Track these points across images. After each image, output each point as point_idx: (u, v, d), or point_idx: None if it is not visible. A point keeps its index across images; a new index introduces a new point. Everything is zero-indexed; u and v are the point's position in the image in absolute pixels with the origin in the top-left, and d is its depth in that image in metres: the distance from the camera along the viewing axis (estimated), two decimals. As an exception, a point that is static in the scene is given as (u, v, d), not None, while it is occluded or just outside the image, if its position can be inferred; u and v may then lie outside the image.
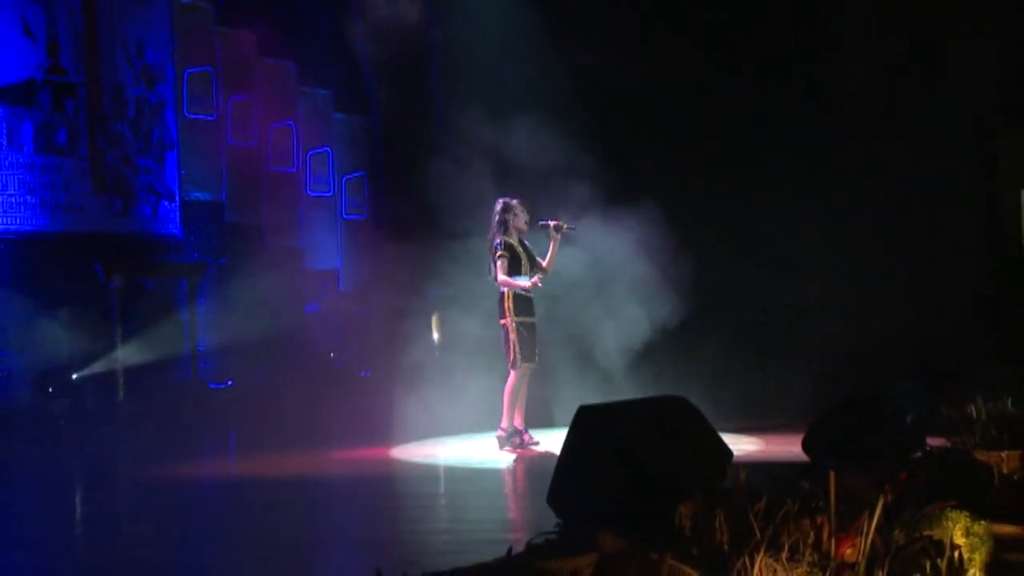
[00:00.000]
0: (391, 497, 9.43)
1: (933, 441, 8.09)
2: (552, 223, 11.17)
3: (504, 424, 11.08)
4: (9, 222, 13.51)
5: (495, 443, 11.12)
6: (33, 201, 13.74)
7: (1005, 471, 6.94)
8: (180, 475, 10.97)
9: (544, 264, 11.21)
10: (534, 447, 11.04)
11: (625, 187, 12.60)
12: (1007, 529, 5.40)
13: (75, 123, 14.21)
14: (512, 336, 11.00)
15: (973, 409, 7.78)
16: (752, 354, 12.06)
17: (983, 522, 5.16)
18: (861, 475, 5.83)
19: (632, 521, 5.11)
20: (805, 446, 8.73)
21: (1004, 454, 7.13)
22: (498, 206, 11.19)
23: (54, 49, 14.05)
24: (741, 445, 10.27)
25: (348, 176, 16.86)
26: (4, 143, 13.49)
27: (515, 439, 11.05)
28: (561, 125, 12.65)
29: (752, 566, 4.12)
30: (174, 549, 7.42)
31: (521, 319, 11.03)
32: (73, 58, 14.23)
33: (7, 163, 13.52)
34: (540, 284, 11.09)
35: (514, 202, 11.18)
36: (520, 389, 11.10)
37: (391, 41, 15.75)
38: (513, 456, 10.88)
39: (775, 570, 4.15)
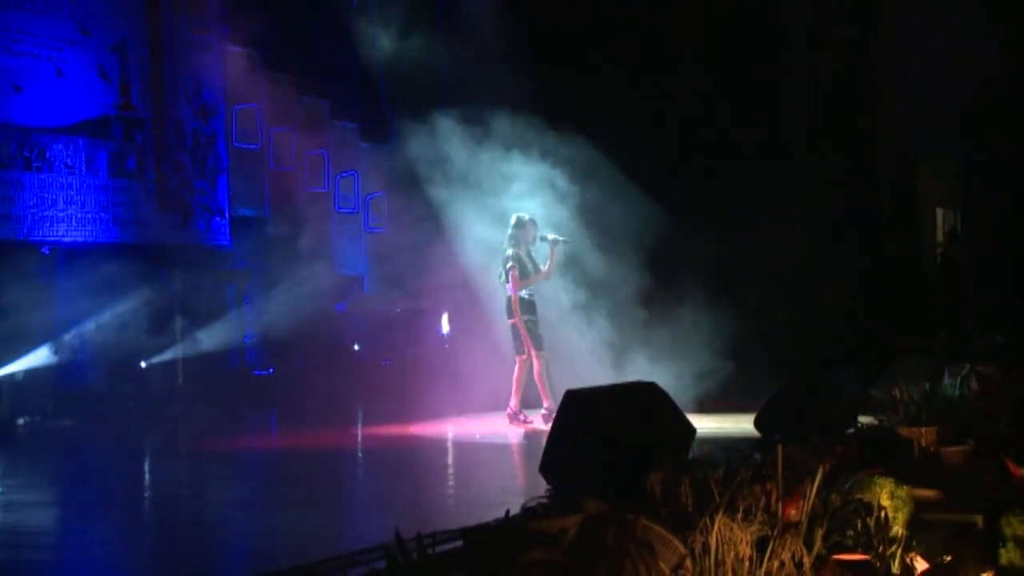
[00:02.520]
0: (407, 467, 9.42)
1: (864, 419, 8.10)
2: (551, 237, 11.29)
3: (547, 404, 11.09)
4: (88, 235, 13.50)
5: (500, 420, 11.23)
6: (107, 218, 13.72)
7: (923, 444, 6.94)
8: (230, 448, 10.96)
9: (544, 271, 11.32)
10: (528, 425, 11.09)
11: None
12: (925, 493, 5.39)
13: (142, 152, 14.20)
14: (523, 332, 11.11)
15: (897, 392, 7.77)
16: (711, 345, 12.00)
17: (905, 487, 5.17)
18: (803, 448, 5.83)
19: (611, 487, 5.11)
20: (756, 423, 8.75)
21: (923, 430, 7.12)
22: (513, 220, 11.29)
23: (126, 90, 14.04)
24: (702, 423, 10.23)
25: (371, 196, 16.83)
26: (83, 169, 13.48)
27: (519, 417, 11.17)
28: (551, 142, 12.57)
29: (712, 525, 4.12)
30: (226, 510, 7.42)
31: (527, 317, 11.15)
32: (141, 97, 14.22)
33: (86, 186, 13.51)
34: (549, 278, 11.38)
35: (527, 218, 11.31)
36: (524, 378, 11.20)
37: (409, 80, 15.72)
38: (511, 432, 10.88)
39: (732, 528, 4.15)
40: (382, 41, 15.97)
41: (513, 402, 11.21)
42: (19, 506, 7.93)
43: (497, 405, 11.61)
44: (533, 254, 11.35)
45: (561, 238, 11.39)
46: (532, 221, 11.31)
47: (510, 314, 11.22)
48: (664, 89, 14.34)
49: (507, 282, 11.20)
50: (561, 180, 12.23)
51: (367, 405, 13.23)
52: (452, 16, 16.22)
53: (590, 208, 12.31)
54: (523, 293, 11.18)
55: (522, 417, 11.17)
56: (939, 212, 14.42)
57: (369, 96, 16.60)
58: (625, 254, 12.27)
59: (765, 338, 13.33)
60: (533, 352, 11.12)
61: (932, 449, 6.79)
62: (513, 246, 11.19)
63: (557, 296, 12.10)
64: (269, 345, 15.36)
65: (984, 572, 4.74)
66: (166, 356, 14.11)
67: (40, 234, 13.03)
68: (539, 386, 11.21)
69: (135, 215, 14.03)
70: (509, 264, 11.12)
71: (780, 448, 4.77)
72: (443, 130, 12.86)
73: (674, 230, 12.94)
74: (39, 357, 12.68)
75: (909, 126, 14.23)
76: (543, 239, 11.31)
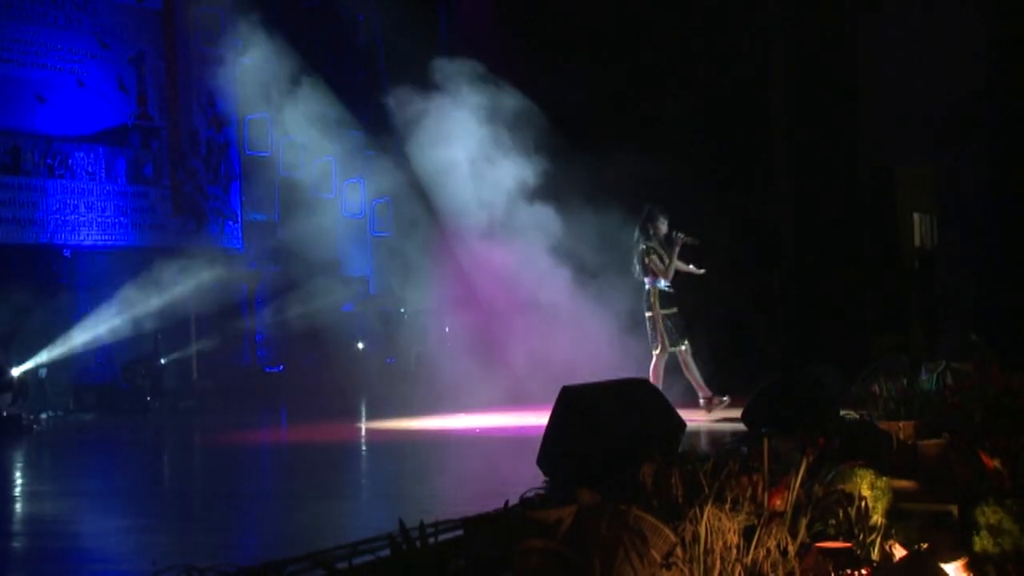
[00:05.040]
0: (410, 459, 9.41)
1: (845, 413, 8.09)
2: (678, 235, 10.77)
3: (703, 394, 10.65)
4: (107, 238, 13.50)
5: (502, 416, 11.14)
6: (125, 222, 13.73)
7: (902, 437, 6.92)
8: (241, 440, 10.96)
9: (664, 268, 10.72)
10: (721, 404, 10.56)
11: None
12: (903, 483, 5.39)
13: (159, 159, 14.21)
14: (659, 326, 10.65)
15: (877, 388, 7.76)
16: (701, 346, 11.98)
17: (884, 478, 5.16)
18: (788, 441, 5.83)
19: (605, 479, 5.11)
20: (743, 418, 8.74)
21: (901, 424, 7.11)
22: (644, 213, 10.82)
23: (143, 100, 14.05)
24: (692, 417, 10.26)
25: (377, 201, 16.83)
26: (103, 175, 13.48)
27: (713, 403, 10.60)
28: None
29: (701, 515, 4.12)
30: (238, 500, 7.41)
31: (665, 311, 10.69)
32: (158, 108, 14.23)
33: (105, 191, 13.51)
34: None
35: (658, 211, 10.81)
36: (660, 371, 10.65)
37: (413, 90, 15.72)
38: (509, 426, 10.85)
39: (720, 518, 4.15)
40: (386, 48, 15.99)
41: (701, 394, 10.67)
42: (43, 496, 7.94)
43: (497, 403, 11.61)
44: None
45: (687, 237, 10.82)
46: (663, 215, 10.80)
47: (648, 307, 10.70)
48: (639, 102, 14.23)
49: (645, 275, 10.71)
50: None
51: (372, 400, 13.23)
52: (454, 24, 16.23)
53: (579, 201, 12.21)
54: (662, 285, 10.68)
55: (714, 401, 10.54)
56: (916, 217, 14.40)
57: (374, 106, 16.59)
58: (612, 253, 12.17)
59: (751, 337, 13.33)
60: (662, 348, 10.58)
61: (910, 442, 6.77)
62: (646, 239, 10.70)
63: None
64: (279, 343, 15.37)
65: (958, 559, 4.74)
66: (181, 353, 14.12)
67: (62, 238, 13.03)
68: (691, 380, 10.69)
69: (151, 219, 14.04)
70: (647, 256, 10.63)
71: (766, 441, 4.77)
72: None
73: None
74: (60, 354, 12.69)
75: (888, 135, 14.22)
76: (671, 236, 10.78)
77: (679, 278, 10.91)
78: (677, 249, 10.77)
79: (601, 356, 11.56)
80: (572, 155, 12.52)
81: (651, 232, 10.74)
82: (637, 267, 10.77)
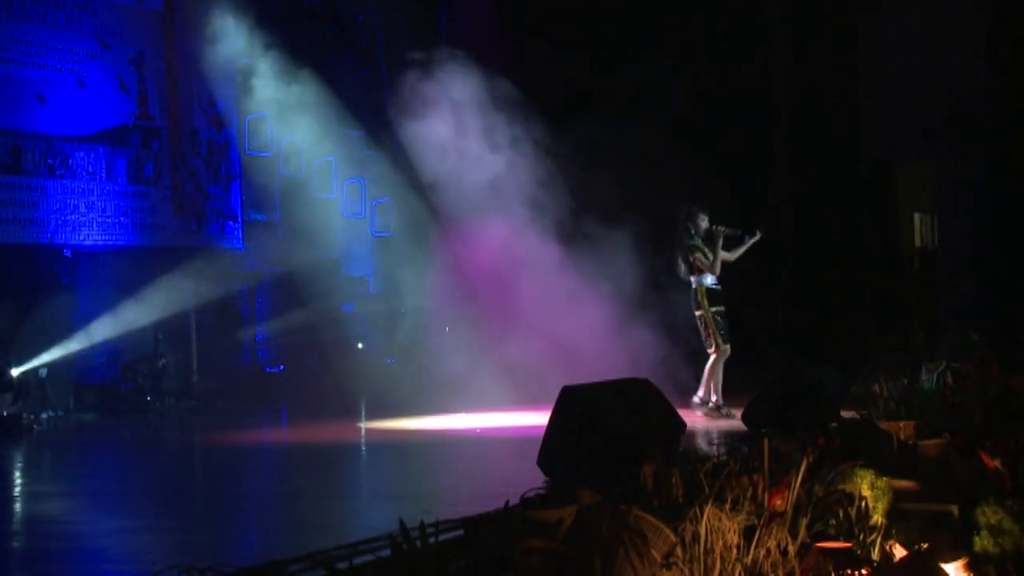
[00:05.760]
0: (410, 459, 9.41)
1: (845, 413, 8.10)
2: (720, 229, 10.72)
3: (701, 393, 10.59)
4: (107, 239, 13.49)
5: (507, 415, 11.14)
6: (125, 222, 13.72)
7: (902, 437, 6.93)
8: (242, 440, 10.96)
9: (709, 263, 10.64)
10: (729, 417, 10.32)
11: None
12: (903, 483, 5.39)
13: (159, 159, 14.20)
14: (711, 325, 10.55)
15: (877, 387, 7.77)
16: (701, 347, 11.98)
17: (884, 478, 5.16)
18: (789, 441, 5.83)
19: (605, 479, 5.11)
20: (744, 418, 8.75)
21: (901, 424, 7.12)
22: (684, 212, 10.74)
23: (143, 100, 14.04)
24: (692, 417, 10.25)
25: (377, 200, 16.82)
26: (103, 175, 13.48)
27: (707, 408, 10.52)
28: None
29: (702, 515, 4.12)
30: (239, 500, 7.42)
31: (715, 309, 10.60)
32: (158, 107, 14.22)
33: (105, 191, 13.50)
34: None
35: (698, 209, 10.74)
36: (718, 368, 10.57)
37: (412, 89, 15.72)
38: (510, 426, 10.84)
39: (720, 518, 4.15)
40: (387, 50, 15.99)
41: (701, 392, 10.61)
42: (43, 497, 7.94)
43: (496, 402, 11.59)
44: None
45: (727, 228, 10.78)
46: (702, 211, 10.72)
47: (697, 306, 10.61)
48: (638, 102, 14.21)
49: (691, 273, 10.64)
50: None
51: (372, 400, 13.23)
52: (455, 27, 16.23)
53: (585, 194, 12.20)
54: (709, 282, 10.60)
55: (724, 411, 10.45)
56: (916, 216, 14.43)
57: (374, 106, 16.60)
58: (613, 247, 12.15)
59: (752, 337, 13.33)
60: (717, 347, 10.50)
61: (910, 442, 6.78)
62: (690, 237, 10.62)
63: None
64: (279, 343, 15.36)
65: (959, 559, 4.74)
66: (181, 353, 14.12)
67: (63, 238, 13.02)
68: (704, 376, 10.59)
69: (152, 219, 14.03)
70: (692, 253, 10.55)
71: (766, 441, 4.77)
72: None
73: (660, 233, 12.92)
74: (61, 354, 12.69)
75: (888, 134, 14.24)
76: (712, 230, 10.69)
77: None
78: (720, 242, 10.70)
79: (601, 355, 11.58)
80: (572, 154, 12.53)
81: (693, 230, 10.68)
82: (682, 267, 10.69)
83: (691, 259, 10.62)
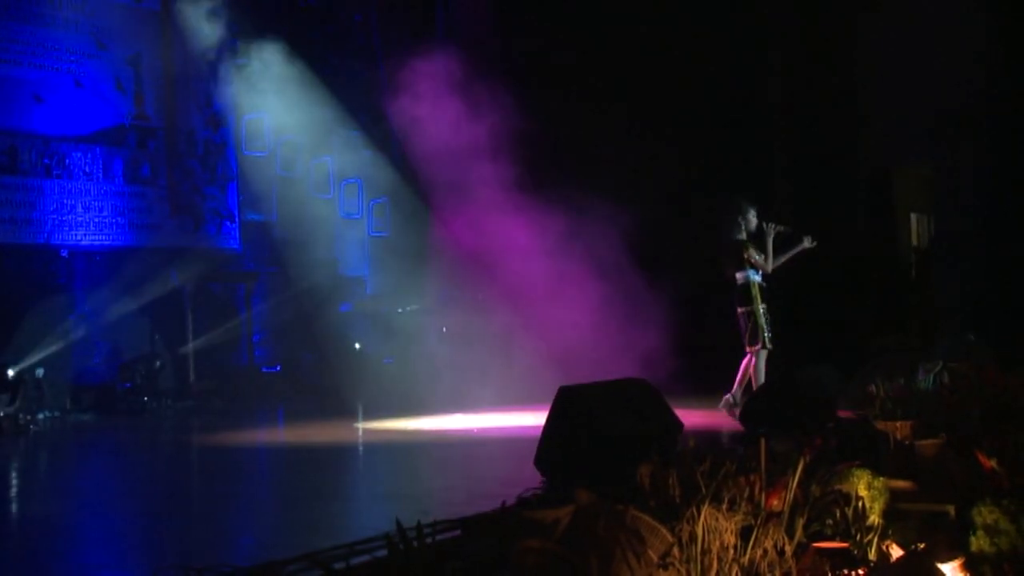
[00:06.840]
0: (407, 459, 9.42)
1: (842, 413, 8.10)
2: (771, 225, 10.47)
3: (734, 390, 10.31)
4: (104, 238, 13.50)
5: (509, 415, 11.14)
6: (123, 222, 13.73)
7: (898, 437, 6.94)
8: (239, 441, 10.96)
9: (760, 260, 10.41)
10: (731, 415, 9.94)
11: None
12: (899, 484, 5.40)
13: (156, 160, 14.21)
14: (760, 321, 10.24)
15: (874, 388, 7.77)
16: (698, 346, 11.99)
17: (881, 478, 5.17)
18: (785, 441, 5.83)
19: (602, 479, 5.12)
20: (741, 418, 8.75)
21: (898, 424, 7.12)
22: (733, 206, 10.47)
23: (140, 101, 14.05)
24: (689, 417, 10.24)
25: (374, 201, 16.83)
26: (100, 175, 13.49)
27: (736, 408, 10.07)
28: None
29: (699, 515, 4.12)
30: (236, 501, 7.42)
31: (764, 305, 10.35)
32: (155, 108, 14.23)
33: (102, 192, 13.51)
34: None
35: (747, 202, 10.49)
36: (760, 367, 10.25)
37: (410, 88, 15.73)
38: (506, 426, 10.85)
39: (717, 518, 4.15)
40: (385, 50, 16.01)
41: (735, 389, 10.35)
42: (41, 497, 7.94)
43: (496, 402, 11.60)
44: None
45: (779, 226, 10.51)
46: (752, 206, 10.47)
47: (740, 302, 10.33)
48: (637, 102, 14.22)
49: (739, 269, 10.34)
50: None
51: (370, 401, 13.23)
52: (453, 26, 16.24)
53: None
54: (756, 278, 10.33)
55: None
56: (913, 217, 14.43)
57: (371, 106, 16.61)
58: (610, 253, 12.16)
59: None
60: (762, 343, 10.20)
61: (907, 442, 6.79)
62: (739, 232, 10.36)
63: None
64: (276, 343, 15.38)
65: (955, 559, 4.75)
66: (178, 353, 14.13)
67: (60, 238, 13.03)
68: (738, 373, 10.29)
69: (149, 219, 14.04)
70: (744, 250, 10.30)
71: (763, 441, 4.77)
72: None
73: (659, 233, 12.94)
74: (58, 354, 12.70)
75: (887, 135, 14.25)
76: (763, 226, 10.45)
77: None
78: (771, 239, 10.45)
79: (600, 354, 11.59)
80: (571, 155, 12.55)
81: (742, 225, 10.43)
82: (729, 263, 10.44)
83: (744, 255, 10.35)
